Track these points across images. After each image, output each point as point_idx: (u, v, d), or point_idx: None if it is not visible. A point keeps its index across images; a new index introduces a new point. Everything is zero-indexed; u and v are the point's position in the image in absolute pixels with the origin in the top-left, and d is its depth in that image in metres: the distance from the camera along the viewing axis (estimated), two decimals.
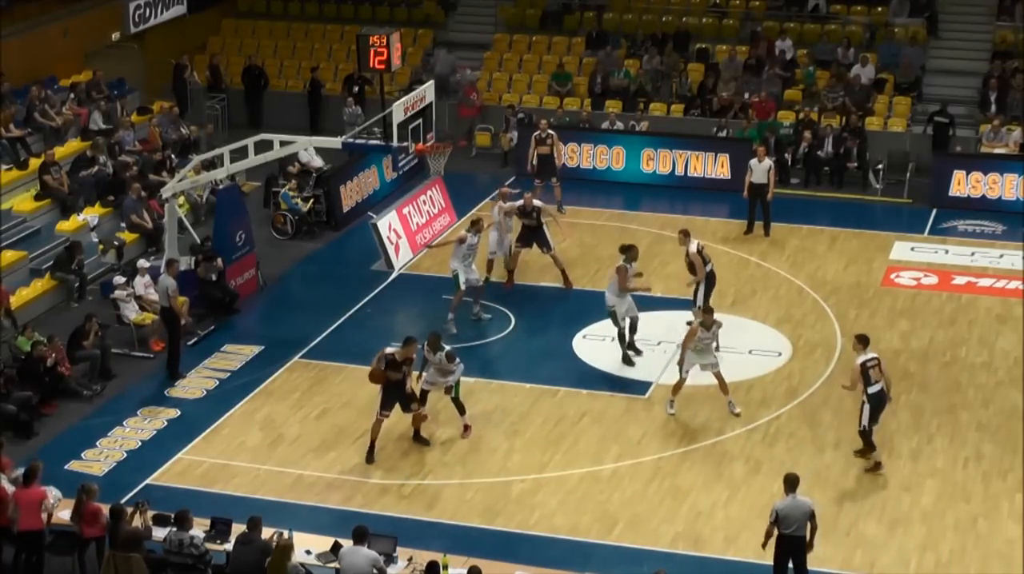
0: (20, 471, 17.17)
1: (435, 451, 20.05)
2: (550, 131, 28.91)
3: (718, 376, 20.88)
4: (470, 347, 22.87)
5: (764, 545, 16.25)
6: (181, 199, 27.56)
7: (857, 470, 19.42)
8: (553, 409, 21.25)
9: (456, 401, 20.45)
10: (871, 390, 19.07)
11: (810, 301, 25.05)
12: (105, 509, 16.45)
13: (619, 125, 32.05)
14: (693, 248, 22.92)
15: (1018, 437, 20.22)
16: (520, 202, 25.19)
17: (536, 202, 25.27)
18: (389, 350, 19.66)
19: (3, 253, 24.92)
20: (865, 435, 19.36)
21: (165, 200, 24.70)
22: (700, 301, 22.66)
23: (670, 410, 20.92)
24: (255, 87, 34.97)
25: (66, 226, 26.53)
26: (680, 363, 20.90)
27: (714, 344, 20.94)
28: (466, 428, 20.42)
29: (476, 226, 23.80)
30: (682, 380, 20.85)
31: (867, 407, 19.15)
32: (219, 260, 24.48)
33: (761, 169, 27.61)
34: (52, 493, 16.95)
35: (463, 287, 23.45)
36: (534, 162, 28.91)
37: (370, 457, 19.77)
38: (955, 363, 22.66)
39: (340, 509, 18.51)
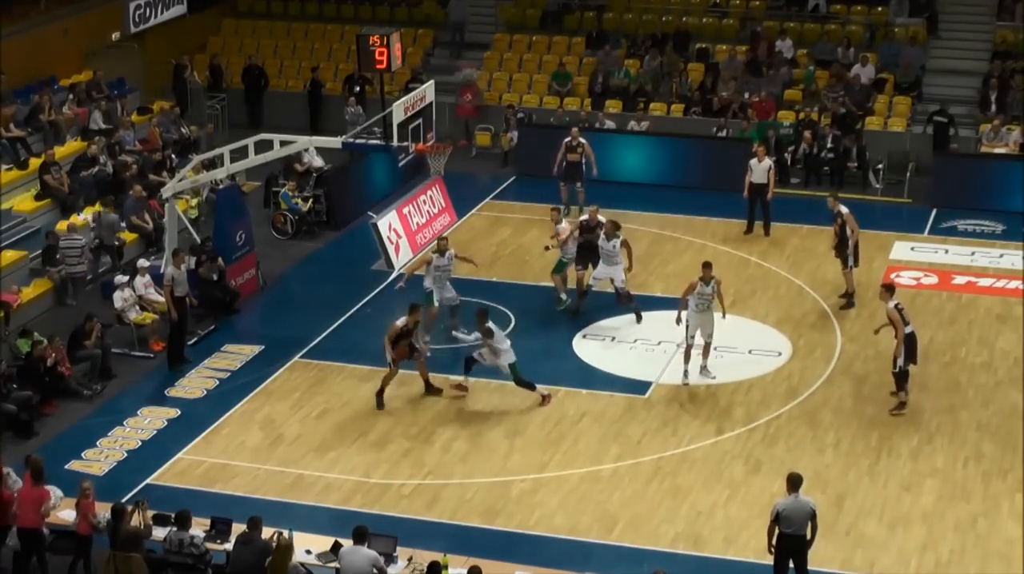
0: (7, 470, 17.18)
1: (435, 451, 20.06)
2: (581, 140, 28.79)
3: (708, 345, 21.79)
4: (470, 347, 22.87)
5: (769, 548, 16.20)
6: (195, 201, 27.74)
7: (857, 470, 19.43)
8: (553, 409, 21.23)
9: (519, 382, 21.18)
10: (907, 330, 20.56)
11: (810, 301, 25.04)
12: (102, 508, 16.47)
13: (609, 124, 32.04)
14: (845, 209, 24.62)
15: (1018, 437, 20.22)
16: (584, 217, 24.82)
17: (601, 217, 24.58)
18: (399, 322, 21.07)
19: (3, 253, 24.94)
20: (898, 376, 20.71)
21: (165, 200, 24.73)
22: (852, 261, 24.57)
23: (684, 379, 21.66)
24: (255, 87, 34.98)
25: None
26: (681, 322, 21.64)
27: (714, 304, 21.59)
28: (544, 398, 21.28)
29: (442, 246, 23.31)
30: (688, 346, 21.66)
31: (903, 348, 20.49)
32: (220, 260, 24.49)
33: (761, 169, 27.63)
34: (54, 493, 16.97)
35: (436, 305, 23.23)
36: (562, 166, 28.82)
37: (379, 403, 21.18)
38: (955, 363, 22.65)
39: (340, 509, 18.51)
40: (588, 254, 24.42)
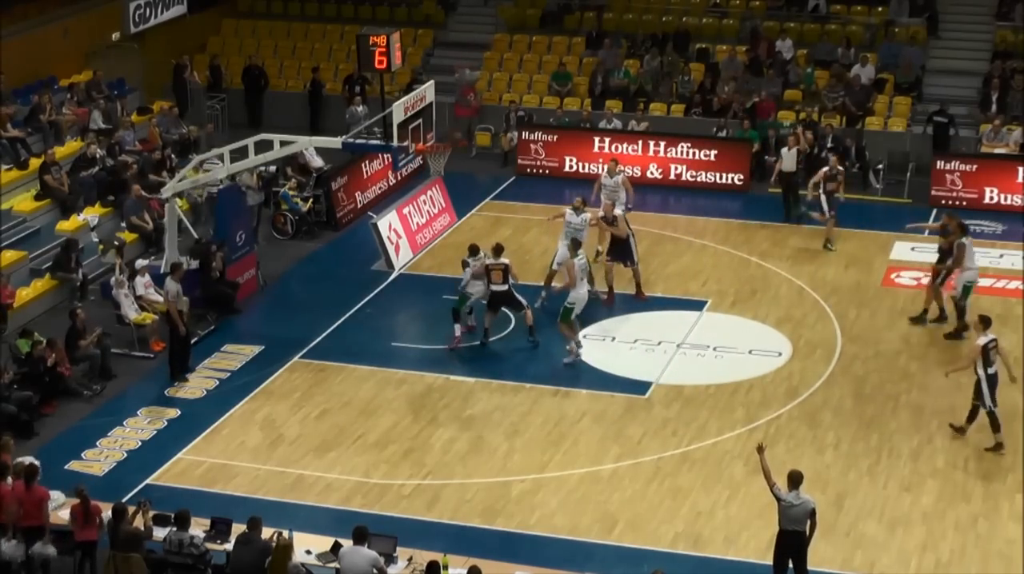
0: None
1: (435, 451, 20.06)
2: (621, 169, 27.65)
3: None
4: (470, 347, 22.88)
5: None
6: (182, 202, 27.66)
7: (857, 470, 19.43)
8: (553, 409, 21.25)
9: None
10: (991, 370, 19.78)
11: (810, 301, 25.04)
12: (102, 508, 16.47)
13: (616, 123, 32.05)
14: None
15: (1018, 437, 20.22)
16: (599, 212, 24.80)
17: (617, 210, 24.85)
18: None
19: (3, 253, 24.94)
20: (992, 415, 19.83)
21: (165, 200, 24.71)
22: None
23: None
24: (255, 87, 34.97)
25: (66, 226, 26.52)
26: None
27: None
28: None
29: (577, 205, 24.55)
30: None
31: (986, 387, 19.73)
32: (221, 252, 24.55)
33: (791, 157, 27.92)
34: (53, 495, 16.96)
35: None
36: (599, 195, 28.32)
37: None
38: (955, 363, 22.60)
39: (340, 509, 18.51)
40: (617, 247, 24.72)
